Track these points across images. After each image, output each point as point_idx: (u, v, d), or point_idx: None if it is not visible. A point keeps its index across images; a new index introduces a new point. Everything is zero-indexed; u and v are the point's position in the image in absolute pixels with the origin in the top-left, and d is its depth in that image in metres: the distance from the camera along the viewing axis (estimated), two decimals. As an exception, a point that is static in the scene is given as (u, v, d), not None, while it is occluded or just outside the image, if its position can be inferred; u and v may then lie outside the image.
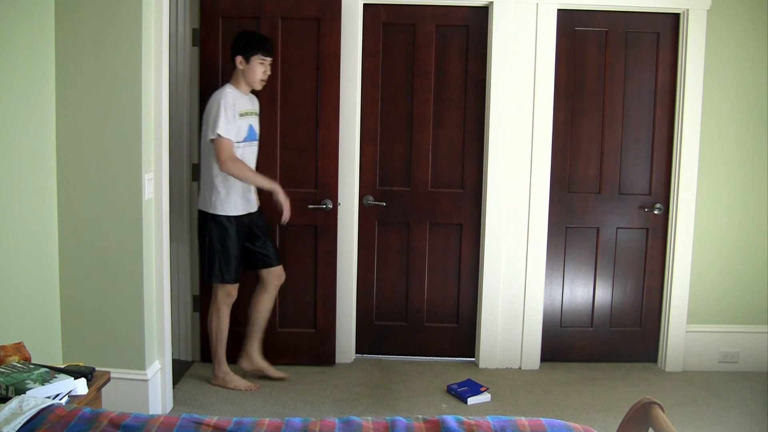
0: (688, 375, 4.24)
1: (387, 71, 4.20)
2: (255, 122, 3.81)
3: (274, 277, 3.90)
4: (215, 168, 3.64)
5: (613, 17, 4.15)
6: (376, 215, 4.29)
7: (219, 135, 3.56)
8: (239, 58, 3.68)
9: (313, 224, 4.10)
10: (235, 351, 3.97)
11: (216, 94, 3.67)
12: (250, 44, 3.68)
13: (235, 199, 3.71)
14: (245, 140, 3.71)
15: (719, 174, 4.22)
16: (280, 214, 3.76)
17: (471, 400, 3.79)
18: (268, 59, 3.72)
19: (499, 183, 4.17)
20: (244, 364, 3.96)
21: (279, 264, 3.91)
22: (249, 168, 3.68)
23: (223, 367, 3.89)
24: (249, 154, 3.76)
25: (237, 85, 3.72)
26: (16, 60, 2.91)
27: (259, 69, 3.69)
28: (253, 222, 3.82)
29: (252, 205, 3.82)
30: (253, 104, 3.82)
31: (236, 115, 3.62)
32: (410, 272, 4.34)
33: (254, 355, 3.96)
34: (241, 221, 3.76)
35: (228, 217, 3.71)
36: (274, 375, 3.96)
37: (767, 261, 4.27)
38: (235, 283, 3.82)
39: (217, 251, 3.73)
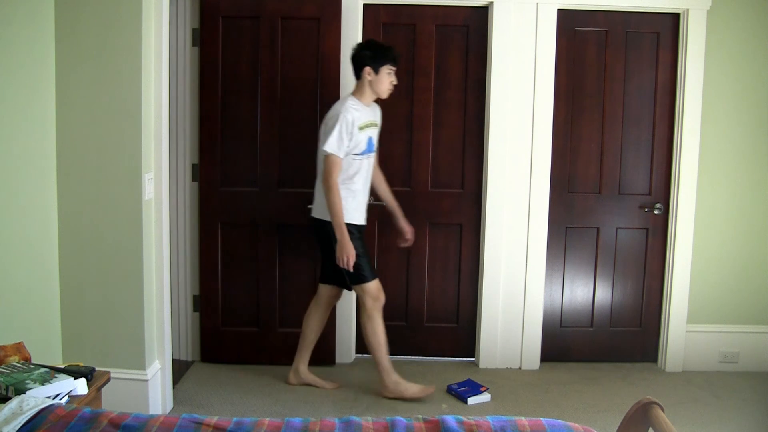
0: (688, 375, 4.24)
1: (387, 71, 4.20)
2: (375, 134, 3.74)
3: (337, 294, 3.88)
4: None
5: (613, 17, 4.15)
6: (376, 215, 4.29)
7: (329, 152, 3.52)
8: (368, 69, 3.62)
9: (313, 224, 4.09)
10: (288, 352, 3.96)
11: (337, 106, 3.62)
12: (379, 55, 3.64)
13: (357, 209, 3.67)
14: (363, 153, 3.64)
15: (719, 174, 4.22)
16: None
17: (471, 400, 3.79)
18: (395, 68, 3.70)
19: (499, 183, 4.16)
20: (291, 378, 3.91)
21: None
22: (340, 201, 3.55)
23: (393, 376, 3.74)
24: (366, 166, 3.70)
25: (360, 96, 3.66)
26: (17, 60, 2.92)
27: (387, 79, 3.66)
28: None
29: (364, 220, 3.75)
30: (375, 115, 3.76)
31: (355, 131, 3.55)
32: (410, 272, 4.33)
33: (302, 368, 3.90)
34: (359, 230, 3.69)
35: (348, 224, 3.61)
36: (326, 386, 3.89)
37: (767, 261, 4.28)
38: (375, 278, 3.72)
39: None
